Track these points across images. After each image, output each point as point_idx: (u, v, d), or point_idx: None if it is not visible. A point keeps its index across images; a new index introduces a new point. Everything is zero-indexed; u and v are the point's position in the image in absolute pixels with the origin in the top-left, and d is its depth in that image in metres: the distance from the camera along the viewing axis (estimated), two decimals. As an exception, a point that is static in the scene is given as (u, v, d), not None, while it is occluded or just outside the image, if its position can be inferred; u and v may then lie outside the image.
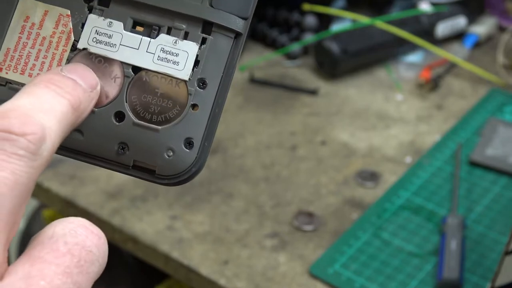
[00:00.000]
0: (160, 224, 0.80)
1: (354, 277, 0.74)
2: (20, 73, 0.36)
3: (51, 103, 0.31)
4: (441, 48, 1.07)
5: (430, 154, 0.90)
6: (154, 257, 0.78)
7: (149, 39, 0.35)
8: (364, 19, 1.05)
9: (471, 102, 0.99)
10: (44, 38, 0.36)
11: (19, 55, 0.36)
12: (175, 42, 0.35)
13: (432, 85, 1.01)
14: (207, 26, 0.35)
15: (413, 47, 1.06)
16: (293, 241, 0.78)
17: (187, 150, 0.35)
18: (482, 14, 1.14)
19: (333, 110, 0.98)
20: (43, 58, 0.36)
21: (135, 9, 0.36)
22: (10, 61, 0.36)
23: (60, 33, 0.36)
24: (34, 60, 0.36)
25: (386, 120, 0.96)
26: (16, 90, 0.35)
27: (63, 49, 0.36)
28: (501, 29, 1.12)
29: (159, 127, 0.35)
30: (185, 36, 0.35)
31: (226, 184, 0.85)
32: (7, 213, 0.28)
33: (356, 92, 1.01)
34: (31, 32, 0.36)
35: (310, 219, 0.80)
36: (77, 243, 0.29)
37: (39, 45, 0.36)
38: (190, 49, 0.35)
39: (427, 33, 1.07)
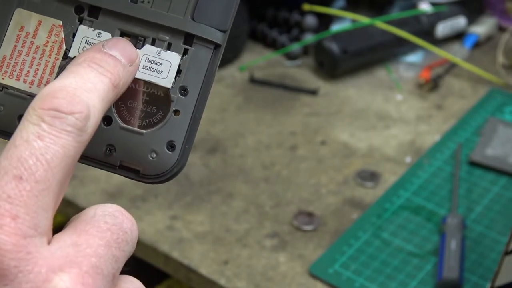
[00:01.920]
0: (160, 224, 0.80)
1: (354, 277, 0.74)
2: (16, 79, 0.38)
3: (94, 82, 0.34)
4: (441, 48, 1.07)
5: (430, 154, 0.90)
6: (154, 257, 0.78)
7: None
8: (364, 19, 1.05)
9: (471, 102, 0.99)
10: (38, 46, 0.38)
11: (14, 62, 0.38)
12: (159, 53, 0.38)
13: (432, 85, 1.01)
14: (189, 38, 0.38)
15: (413, 47, 1.06)
16: (293, 241, 0.78)
17: (169, 152, 0.38)
18: (482, 14, 1.14)
19: (333, 110, 0.98)
20: (37, 65, 0.38)
21: (122, 21, 0.38)
22: (6, 67, 0.38)
23: (53, 42, 0.38)
24: (29, 67, 0.38)
25: (386, 120, 0.96)
26: (12, 95, 0.38)
27: (55, 57, 0.38)
28: (501, 29, 1.12)
29: (144, 131, 0.38)
30: (169, 47, 0.38)
31: (226, 184, 0.85)
32: (57, 183, 0.32)
33: (356, 92, 1.01)
34: (26, 41, 0.38)
35: (310, 219, 0.80)
36: (115, 223, 0.33)
37: (33, 53, 0.38)
38: (173, 59, 0.38)
39: (427, 33, 1.07)
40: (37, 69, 0.38)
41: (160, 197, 0.83)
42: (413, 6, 1.11)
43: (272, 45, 1.10)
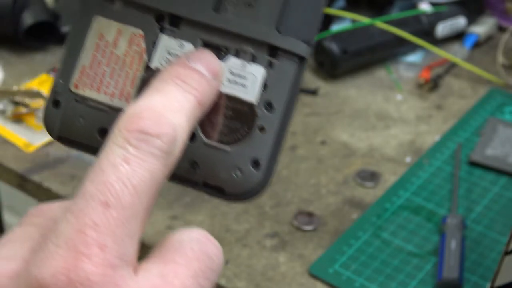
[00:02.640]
0: (160, 224, 0.80)
1: (354, 277, 0.74)
2: (96, 91, 0.37)
3: (180, 101, 0.33)
4: (441, 48, 1.07)
5: (430, 154, 0.90)
6: (154, 257, 0.78)
7: None
8: (364, 19, 1.05)
9: (471, 102, 0.99)
10: (118, 56, 0.37)
11: (94, 73, 0.37)
12: (243, 65, 0.36)
13: (432, 85, 1.01)
14: (273, 50, 0.36)
15: (413, 47, 1.06)
16: (293, 241, 0.78)
17: (254, 170, 0.36)
18: (482, 14, 1.14)
19: (333, 110, 0.98)
20: (117, 76, 0.37)
21: (205, 31, 0.37)
22: (85, 78, 0.37)
23: (133, 52, 0.37)
24: (109, 78, 0.37)
25: (386, 120, 0.96)
26: (92, 108, 0.36)
27: (136, 68, 0.36)
28: (501, 29, 1.12)
29: (228, 148, 0.36)
30: (253, 59, 0.36)
31: (226, 184, 0.85)
32: (143, 209, 0.31)
33: (356, 92, 1.01)
34: (106, 51, 0.37)
35: (310, 219, 0.80)
36: (202, 250, 0.32)
37: (114, 64, 0.37)
38: (257, 72, 0.36)
39: (427, 33, 1.07)
40: (117, 81, 0.36)
41: (160, 197, 0.83)
42: (413, 6, 1.11)
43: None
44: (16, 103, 0.93)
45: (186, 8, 0.37)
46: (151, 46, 0.37)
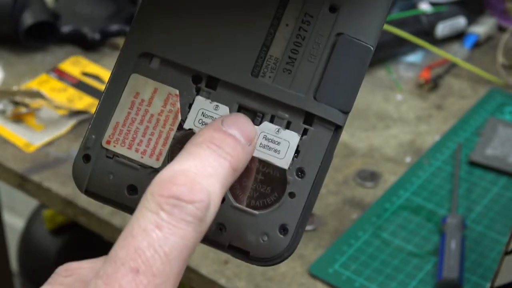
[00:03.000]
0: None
1: (354, 277, 0.74)
2: (128, 148, 0.37)
3: (214, 167, 0.32)
4: (441, 48, 1.07)
5: (430, 154, 0.90)
6: (154, 257, 0.78)
7: None
8: (364, 19, 1.05)
9: (471, 102, 0.99)
10: (152, 115, 0.37)
11: (127, 130, 0.37)
12: (278, 131, 0.36)
13: (432, 85, 1.01)
14: (309, 118, 0.36)
15: (413, 47, 1.06)
16: (293, 241, 0.78)
17: (282, 236, 0.36)
18: (482, 14, 1.14)
19: (333, 110, 0.97)
20: (150, 135, 0.37)
21: (241, 95, 0.37)
22: (118, 135, 0.37)
23: (168, 112, 0.37)
24: (142, 136, 0.37)
25: (386, 120, 0.96)
26: (122, 164, 0.36)
27: (170, 128, 0.36)
28: (501, 29, 1.12)
29: (256, 212, 0.36)
30: (288, 126, 0.36)
31: (226, 184, 0.85)
32: (175, 276, 0.30)
33: (356, 92, 1.01)
34: (140, 109, 0.37)
35: (310, 219, 0.80)
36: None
37: (147, 122, 0.37)
38: (291, 139, 0.36)
39: (427, 33, 1.07)
40: (150, 139, 0.36)
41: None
42: (413, 6, 1.11)
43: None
44: (16, 103, 0.93)
45: (224, 71, 0.37)
46: (186, 107, 0.37)
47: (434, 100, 1.00)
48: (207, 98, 0.37)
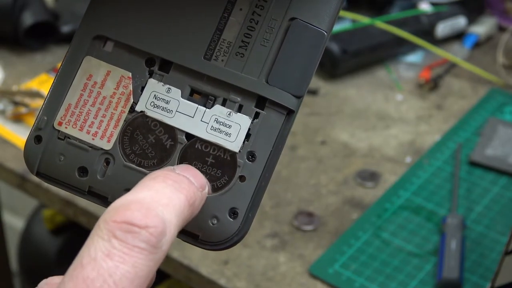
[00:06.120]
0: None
1: (354, 277, 0.74)
2: (79, 129, 0.37)
3: (170, 198, 0.31)
4: (441, 48, 1.07)
5: (430, 154, 0.90)
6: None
7: (204, 108, 0.36)
8: (364, 19, 1.05)
9: (471, 102, 0.99)
10: (104, 97, 0.37)
11: (79, 112, 0.37)
12: (229, 114, 0.36)
13: (432, 85, 1.01)
14: (261, 101, 0.36)
15: (413, 47, 1.06)
16: (293, 241, 0.78)
17: (231, 219, 0.36)
18: (482, 14, 1.14)
19: (333, 110, 0.98)
20: (102, 116, 0.37)
21: (194, 78, 0.37)
22: (70, 116, 0.37)
23: (120, 94, 0.37)
24: (93, 118, 0.37)
25: (386, 120, 0.96)
26: (73, 146, 0.36)
27: (121, 110, 0.37)
28: (501, 29, 1.12)
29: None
30: (239, 109, 0.36)
31: (226, 184, 0.85)
32: None
33: (356, 92, 1.01)
34: (93, 91, 0.37)
35: (310, 219, 0.80)
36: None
37: (99, 104, 0.37)
38: (243, 122, 0.36)
39: (427, 33, 1.07)
40: (101, 121, 0.37)
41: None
42: (413, 6, 1.11)
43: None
44: (16, 103, 0.93)
45: (177, 54, 0.37)
46: (139, 89, 0.37)
47: (434, 100, 1.00)
48: (160, 81, 0.37)
